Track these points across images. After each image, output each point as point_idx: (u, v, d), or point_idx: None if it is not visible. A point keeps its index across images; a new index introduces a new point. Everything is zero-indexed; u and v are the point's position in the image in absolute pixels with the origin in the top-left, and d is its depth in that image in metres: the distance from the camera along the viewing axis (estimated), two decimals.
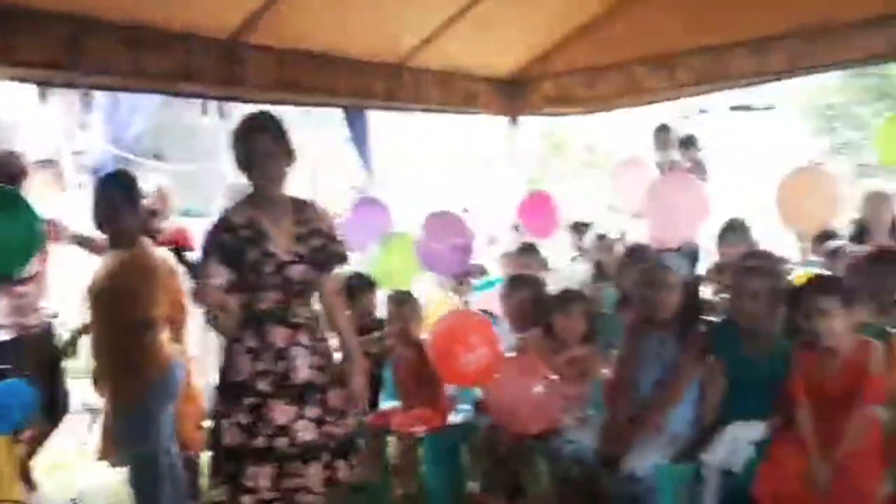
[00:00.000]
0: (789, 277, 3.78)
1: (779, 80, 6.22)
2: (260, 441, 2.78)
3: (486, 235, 7.40)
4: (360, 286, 4.80)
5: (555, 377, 3.45)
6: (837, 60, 5.84)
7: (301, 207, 2.96)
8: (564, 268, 6.29)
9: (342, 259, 3.03)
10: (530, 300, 3.89)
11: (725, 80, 6.35)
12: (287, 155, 2.91)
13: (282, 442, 2.79)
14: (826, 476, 2.79)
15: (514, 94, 7.29)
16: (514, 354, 3.65)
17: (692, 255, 6.10)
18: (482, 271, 6.24)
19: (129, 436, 3.26)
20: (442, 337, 3.77)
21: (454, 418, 4.15)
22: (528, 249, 5.30)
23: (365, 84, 5.77)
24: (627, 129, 9.74)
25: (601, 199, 7.90)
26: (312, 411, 2.84)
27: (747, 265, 3.32)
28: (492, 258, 6.58)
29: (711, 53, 6.27)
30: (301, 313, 2.90)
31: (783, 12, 5.80)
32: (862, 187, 6.68)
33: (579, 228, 6.34)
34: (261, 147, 2.83)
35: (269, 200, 2.90)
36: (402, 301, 4.29)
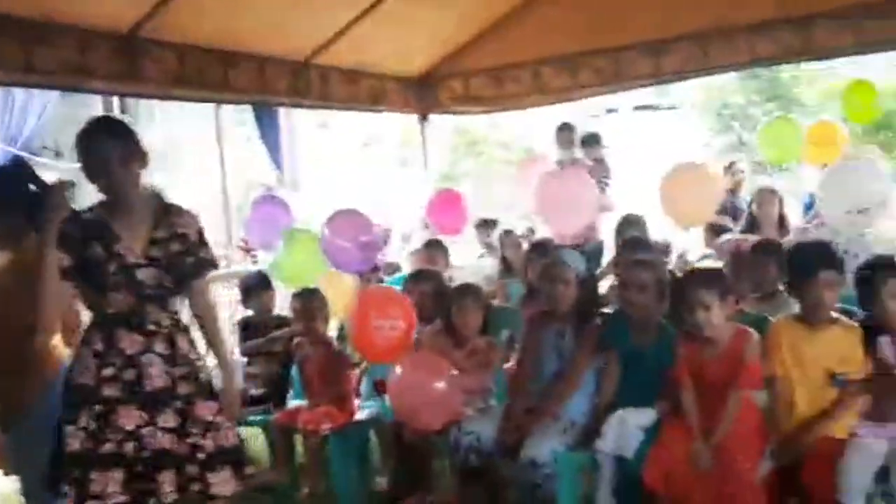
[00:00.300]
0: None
1: (674, 81, 6.48)
2: (108, 447, 2.68)
3: (400, 233, 7.48)
4: (255, 285, 4.78)
5: (455, 371, 3.52)
6: (729, 63, 6.13)
7: (165, 212, 2.86)
8: (473, 264, 6.40)
9: (210, 265, 2.92)
10: (431, 294, 3.95)
11: (625, 81, 6.58)
12: (136, 158, 2.78)
13: (130, 447, 2.69)
14: (707, 457, 2.95)
15: (423, 92, 7.37)
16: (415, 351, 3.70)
17: (597, 251, 6.32)
18: (395, 268, 6.29)
19: (17, 443, 3.15)
20: (360, 305, 3.82)
21: (361, 415, 4.19)
22: (433, 245, 5.38)
23: (269, 81, 5.71)
24: (542, 127, 9.92)
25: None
26: (168, 420, 2.74)
27: (634, 259, 3.47)
28: (405, 255, 6.65)
29: (612, 55, 6.50)
30: (159, 320, 2.79)
31: (679, 16, 6.07)
32: (755, 184, 7.02)
33: (487, 225, 6.45)
34: (104, 153, 2.71)
35: (122, 204, 2.78)
36: (308, 298, 4.29)
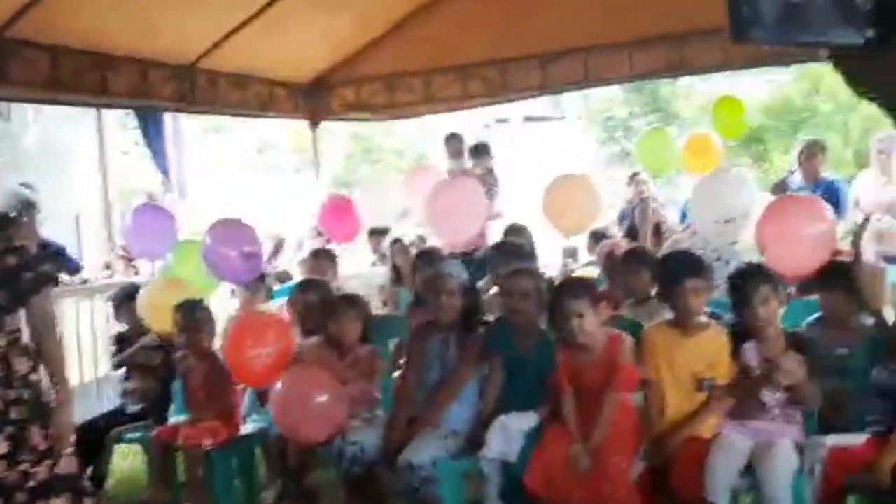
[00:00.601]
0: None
1: (559, 92, 6.68)
2: None
3: (293, 240, 7.39)
4: (126, 298, 4.59)
5: (338, 382, 3.50)
6: (610, 76, 6.38)
7: (1, 224, 2.74)
8: (365, 272, 6.39)
9: (47, 280, 2.77)
10: (317, 305, 3.91)
11: (513, 92, 6.73)
12: None
13: None
14: (586, 459, 3.04)
15: (313, 99, 7.31)
16: (295, 364, 3.65)
17: (486, 259, 6.40)
18: (286, 277, 6.20)
19: None
20: (235, 335, 3.71)
21: (246, 429, 4.10)
22: (320, 255, 5.32)
23: (152, 85, 5.53)
24: (436, 135, 10.00)
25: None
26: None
27: (515, 268, 3.55)
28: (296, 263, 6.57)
29: (500, 66, 6.64)
30: None
31: (565, 31, 6.27)
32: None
33: (378, 234, 6.45)
34: None
35: None
36: (191, 310, 4.16)
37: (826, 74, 9.90)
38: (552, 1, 6.19)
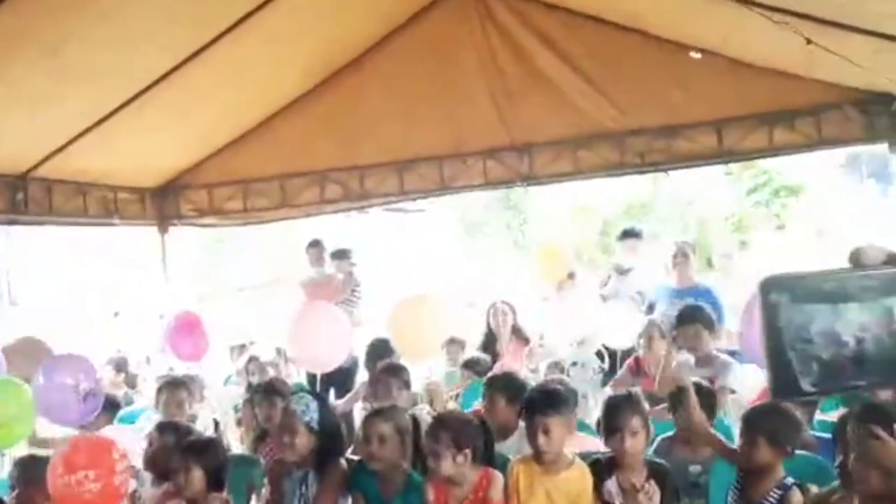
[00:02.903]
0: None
1: (415, 199, 6.76)
2: None
3: (139, 356, 6.90)
4: None
5: None
6: (464, 184, 6.51)
7: None
8: (219, 390, 6.04)
9: None
10: (174, 447, 3.54)
11: (371, 198, 6.73)
12: None
13: None
14: None
15: (162, 204, 7.00)
16: None
17: (351, 369, 6.18)
18: (128, 401, 5.75)
19: None
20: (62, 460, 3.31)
21: None
22: (176, 385, 4.78)
23: None
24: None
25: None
26: None
27: (372, 409, 3.42)
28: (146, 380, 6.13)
29: (357, 172, 6.64)
30: None
31: (421, 139, 6.37)
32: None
33: (240, 350, 6.16)
34: None
35: None
36: (31, 467, 3.65)
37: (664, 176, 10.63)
38: (408, 110, 6.29)
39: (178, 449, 3.38)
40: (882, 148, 5.85)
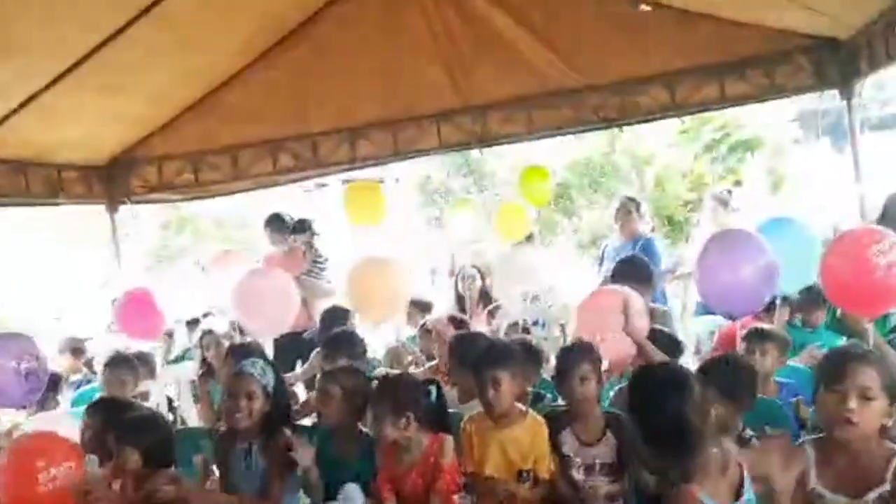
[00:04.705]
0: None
1: (369, 166, 6.65)
2: None
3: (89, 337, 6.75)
4: None
5: None
6: (418, 149, 6.42)
7: None
8: (174, 366, 5.93)
9: None
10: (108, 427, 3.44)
11: (323, 167, 6.60)
12: None
13: None
14: None
15: (111, 180, 6.80)
16: None
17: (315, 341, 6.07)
18: (79, 383, 5.62)
19: None
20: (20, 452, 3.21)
21: None
22: (120, 364, 4.65)
23: None
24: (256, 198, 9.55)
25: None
26: None
27: (327, 370, 3.35)
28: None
29: (309, 141, 6.50)
30: None
31: (374, 104, 6.25)
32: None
33: (192, 324, 6.03)
34: None
35: None
36: None
37: (620, 134, 10.63)
38: (361, 75, 6.16)
39: (111, 428, 3.27)
40: (838, 105, 5.86)
